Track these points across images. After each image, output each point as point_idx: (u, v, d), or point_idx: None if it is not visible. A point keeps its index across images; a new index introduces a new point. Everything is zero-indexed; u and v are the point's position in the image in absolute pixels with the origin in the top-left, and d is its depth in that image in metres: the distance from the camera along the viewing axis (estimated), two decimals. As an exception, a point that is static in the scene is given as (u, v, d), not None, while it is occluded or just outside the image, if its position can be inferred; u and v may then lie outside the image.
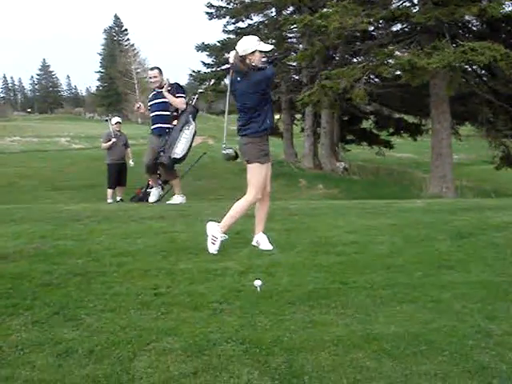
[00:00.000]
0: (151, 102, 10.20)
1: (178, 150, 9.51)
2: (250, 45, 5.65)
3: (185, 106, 9.71)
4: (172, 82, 9.99)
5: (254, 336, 3.60)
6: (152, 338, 3.58)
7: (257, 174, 5.78)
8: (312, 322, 3.84)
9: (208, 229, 5.68)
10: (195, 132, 9.83)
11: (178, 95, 9.70)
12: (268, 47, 5.74)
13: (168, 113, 9.89)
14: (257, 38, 5.76)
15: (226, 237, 5.76)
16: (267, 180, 5.95)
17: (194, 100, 10.50)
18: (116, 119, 15.06)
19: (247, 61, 5.62)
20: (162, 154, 9.72)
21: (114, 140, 14.30)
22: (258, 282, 4.44)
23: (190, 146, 9.75)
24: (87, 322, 3.86)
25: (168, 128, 9.83)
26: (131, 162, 14.71)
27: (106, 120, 15.92)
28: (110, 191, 14.59)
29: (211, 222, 5.72)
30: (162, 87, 9.81)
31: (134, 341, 3.55)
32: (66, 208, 9.25)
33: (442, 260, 5.29)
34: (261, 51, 5.65)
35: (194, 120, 9.78)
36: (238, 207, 5.79)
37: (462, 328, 3.71)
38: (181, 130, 9.58)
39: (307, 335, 3.63)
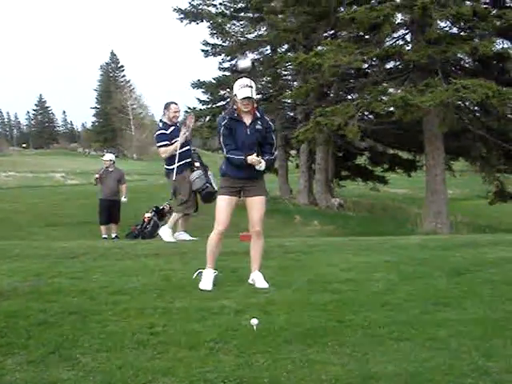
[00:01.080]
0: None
1: (214, 184, 9.47)
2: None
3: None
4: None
5: (250, 375, 3.58)
6: (148, 378, 3.55)
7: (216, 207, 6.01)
8: (309, 361, 3.82)
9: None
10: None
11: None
12: (242, 94, 5.72)
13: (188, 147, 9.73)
14: (241, 82, 5.77)
15: (216, 272, 5.88)
16: (254, 219, 5.96)
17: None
18: (107, 156, 15.12)
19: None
20: (208, 185, 9.62)
21: (96, 176, 14.43)
22: (254, 321, 4.42)
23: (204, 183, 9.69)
24: (83, 362, 3.83)
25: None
26: (123, 199, 14.65)
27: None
28: (102, 227, 14.60)
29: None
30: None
31: (130, 381, 3.52)
32: (61, 245, 9.23)
33: (438, 297, 5.30)
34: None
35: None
36: (208, 241, 6.02)
37: (460, 366, 3.70)
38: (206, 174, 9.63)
39: (304, 374, 3.61)
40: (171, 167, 9.47)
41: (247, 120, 5.82)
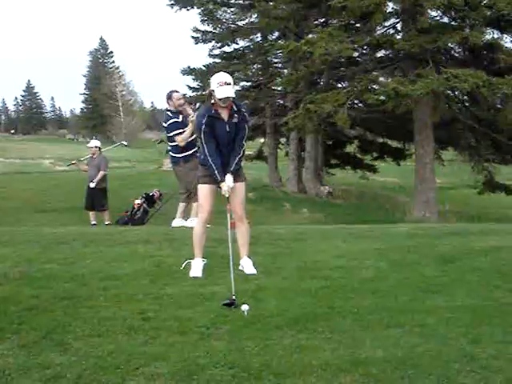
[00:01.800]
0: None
1: None
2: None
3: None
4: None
5: (242, 361, 3.62)
6: (140, 363, 3.59)
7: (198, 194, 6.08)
8: (299, 346, 3.86)
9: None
10: None
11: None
12: (221, 94, 5.64)
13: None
14: (219, 79, 5.70)
15: (205, 261, 5.95)
16: (235, 204, 5.97)
17: None
18: (92, 143, 14.96)
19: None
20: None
21: (85, 167, 14.56)
22: (245, 307, 4.46)
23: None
24: (75, 347, 3.86)
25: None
26: (92, 184, 14.35)
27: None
28: (90, 214, 14.56)
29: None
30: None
31: (122, 366, 3.55)
32: (51, 231, 9.21)
33: (427, 284, 5.35)
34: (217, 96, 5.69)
35: None
36: (193, 231, 6.09)
37: (448, 352, 3.76)
38: None
39: (295, 360, 3.65)
40: (180, 155, 9.48)
41: (225, 115, 5.80)
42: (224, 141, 5.84)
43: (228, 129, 5.80)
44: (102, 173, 14.45)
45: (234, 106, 5.82)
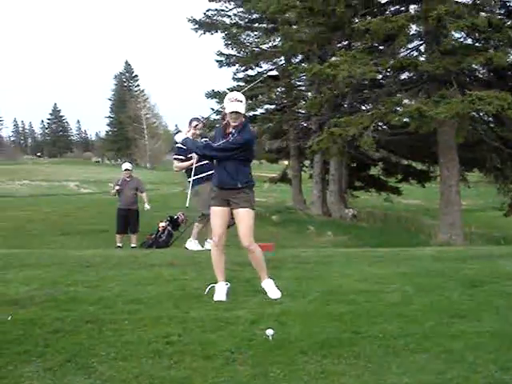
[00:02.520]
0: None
1: None
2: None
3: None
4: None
5: (266, 386, 3.59)
6: (165, 388, 3.58)
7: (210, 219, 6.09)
8: (324, 372, 3.82)
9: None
10: None
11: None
12: (230, 108, 5.73)
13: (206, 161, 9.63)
14: (231, 96, 5.83)
15: (228, 284, 5.89)
16: (239, 234, 5.88)
17: None
18: (125, 166, 15.09)
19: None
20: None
21: (117, 188, 14.42)
22: (269, 331, 4.43)
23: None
24: (99, 371, 3.86)
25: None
26: (147, 206, 14.61)
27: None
28: (117, 236, 14.63)
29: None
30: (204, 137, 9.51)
31: (146, 390, 3.55)
32: (76, 253, 9.28)
33: (453, 309, 5.27)
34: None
35: None
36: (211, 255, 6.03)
37: (476, 379, 3.69)
38: None
39: (320, 386, 3.62)
40: (189, 179, 9.60)
41: (231, 129, 5.82)
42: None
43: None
44: (146, 193, 14.72)
45: (241, 126, 5.81)
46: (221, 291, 5.77)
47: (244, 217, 5.84)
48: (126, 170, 14.69)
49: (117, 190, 14.44)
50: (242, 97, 5.80)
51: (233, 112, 5.69)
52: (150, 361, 4.03)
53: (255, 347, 4.28)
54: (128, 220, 14.53)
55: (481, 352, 4.15)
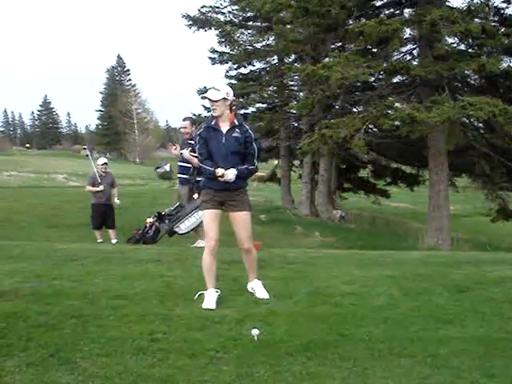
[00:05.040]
0: (181, 151, 9.99)
1: (183, 227, 9.41)
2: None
3: None
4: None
5: (251, 387, 3.58)
6: (148, 385, 3.55)
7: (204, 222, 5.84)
8: (309, 374, 3.81)
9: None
10: None
11: None
12: (207, 94, 5.62)
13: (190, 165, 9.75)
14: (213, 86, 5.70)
15: (218, 292, 5.63)
16: (241, 237, 5.74)
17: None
18: (102, 160, 14.97)
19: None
20: (166, 221, 9.73)
21: (101, 188, 14.28)
22: (255, 331, 4.42)
23: (198, 226, 9.51)
24: (82, 366, 3.83)
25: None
26: (116, 201, 14.57)
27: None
28: (97, 232, 14.56)
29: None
30: (192, 139, 9.52)
31: (129, 387, 3.52)
32: (62, 247, 9.22)
33: (439, 314, 5.28)
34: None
35: None
36: (202, 261, 5.73)
37: (460, 385, 3.69)
38: (195, 209, 9.36)
39: (304, 387, 3.60)
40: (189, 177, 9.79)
41: (224, 128, 5.62)
42: (219, 153, 5.60)
43: (224, 140, 5.58)
44: (117, 188, 14.62)
45: (236, 121, 5.66)
46: (210, 299, 5.50)
47: (245, 220, 5.73)
48: (104, 163, 14.61)
49: (98, 185, 14.31)
50: (221, 86, 5.68)
51: (208, 97, 5.56)
52: (133, 358, 4.01)
53: (240, 347, 4.26)
54: (106, 215, 14.47)
55: (466, 358, 4.16)
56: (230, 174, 5.50)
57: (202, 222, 9.12)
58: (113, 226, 14.60)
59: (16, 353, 4.04)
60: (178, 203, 10.02)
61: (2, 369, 3.75)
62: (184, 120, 10.19)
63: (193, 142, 9.27)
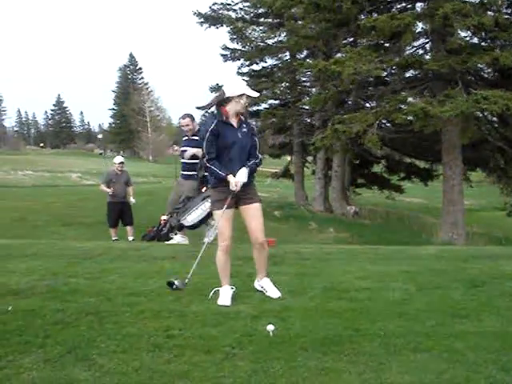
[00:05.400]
0: (182, 148, 10.17)
1: (190, 219, 9.31)
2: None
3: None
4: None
5: (266, 382, 3.58)
6: (164, 381, 3.57)
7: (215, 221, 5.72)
8: (325, 369, 3.81)
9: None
10: None
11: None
12: (254, 93, 5.58)
13: (197, 161, 9.73)
14: (243, 82, 5.65)
15: (234, 288, 5.64)
16: (255, 229, 5.66)
17: None
18: (119, 159, 15.00)
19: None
20: (174, 214, 9.73)
21: (110, 191, 14.33)
22: (270, 327, 4.43)
23: (205, 218, 9.36)
24: (99, 363, 3.85)
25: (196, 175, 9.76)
26: (132, 200, 14.67)
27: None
28: (112, 230, 14.62)
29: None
30: (195, 134, 9.71)
31: (146, 383, 3.53)
32: (78, 245, 9.28)
33: (455, 309, 5.25)
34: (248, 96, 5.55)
35: None
36: (216, 259, 5.70)
37: (477, 379, 3.67)
38: (203, 200, 9.27)
39: (320, 383, 3.61)
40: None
41: (235, 124, 5.56)
42: (236, 149, 5.53)
43: (240, 136, 5.54)
44: (133, 187, 14.69)
45: (242, 117, 5.62)
46: (226, 295, 5.49)
47: (258, 211, 5.69)
48: (120, 162, 14.65)
49: (112, 184, 14.37)
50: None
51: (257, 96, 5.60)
52: (150, 354, 4.03)
53: (255, 343, 4.27)
54: (122, 213, 14.54)
55: (482, 352, 4.14)
56: (243, 177, 5.47)
57: (207, 215, 9.21)
58: (130, 223, 14.68)
59: (33, 350, 4.07)
60: (184, 196, 9.99)
61: (20, 366, 3.78)
62: (184, 118, 10.21)
63: (197, 138, 9.40)
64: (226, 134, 5.50)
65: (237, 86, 5.53)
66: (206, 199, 9.03)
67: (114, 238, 14.43)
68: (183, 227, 9.73)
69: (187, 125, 10.10)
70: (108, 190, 14.36)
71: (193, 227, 9.51)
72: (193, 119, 10.16)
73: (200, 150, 9.22)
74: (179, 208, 9.66)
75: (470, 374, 3.74)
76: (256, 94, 5.62)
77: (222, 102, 5.52)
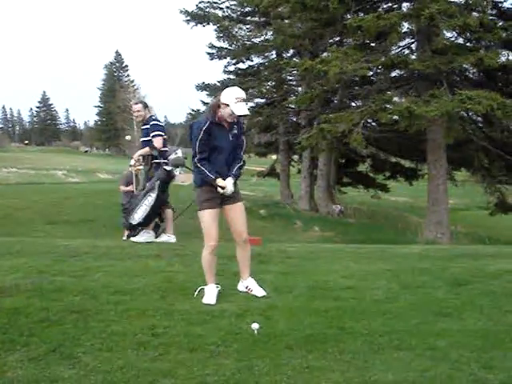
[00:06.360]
0: (141, 140, 9.72)
1: (137, 217, 9.13)
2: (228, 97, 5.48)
3: (160, 145, 9.20)
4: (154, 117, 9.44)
5: (251, 380, 3.60)
6: (149, 380, 3.58)
7: (201, 222, 5.67)
8: (309, 367, 3.84)
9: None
10: (161, 200, 9.16)
11: (153, 134, 9.18)
12: (240, 111, 5.46)
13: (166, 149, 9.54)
14: (237, 94, 5.52)
15: (219, 287, 5.65)
16: (239, 226, 5.72)
17: (173, 160, 9.39)
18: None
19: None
20: (124, 214, 9.52)
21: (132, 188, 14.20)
22: (255, 325, 4.44)
23: (153, 212, 9.16)
24: (84, 361, 3.86)
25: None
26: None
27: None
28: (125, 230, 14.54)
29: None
30: (146, 123, 9.33)
31: (131, 382, 3.55)
32: (62, 243, 9.23)
33: (438, 307, 5.30)
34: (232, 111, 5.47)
35: (163, 189, 9.13)
36: (202, 259, 5.71)
37: (459, 377, 3.72)
38: (145, 195, 9.05)
39: (304, 380, 3.63)
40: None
41: (226, 125, 5.58)
42: (226, 151, 5.58)
43: (231, 138, 5.59)
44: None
45: (234, 119, 5.63)
46: (211, 294, 5.51)
47: (242, 210, 5.76)
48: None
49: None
50: (245, 94, 5.59)
51: (243, 115, 5.53)
52: (135, 352, 4.04)
53: (240, 341, 4.29)
54: None
55: (465, 350, 4.19)
56: (230, 186, 5.51)
57: (152, 210, 9.00)
58: None
59: (18, 348, 4.07)
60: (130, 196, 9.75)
61: (4, 364, 3.78)
62: (136, 103, 9.64)
63: (147, 126, 9.25)
64: (216, 135, 5.52)
65: (228, 94, 5.49)
66: (148, 194, 8.95)
67: (124, 238, 14.35)
68: (133, 226, 9.42)
69: (138, 111, 9.47)
70: (127, 188, 14.21)
71: (142, 224, 9.24)
72: (145, 106, 9.55)
73: (148, 150, 9.07)
74: (127, 208, 9.47)
75: (452, 372, 3.78)
76: (240, 112, 5.46)
77: (218, 104, 5.53)
